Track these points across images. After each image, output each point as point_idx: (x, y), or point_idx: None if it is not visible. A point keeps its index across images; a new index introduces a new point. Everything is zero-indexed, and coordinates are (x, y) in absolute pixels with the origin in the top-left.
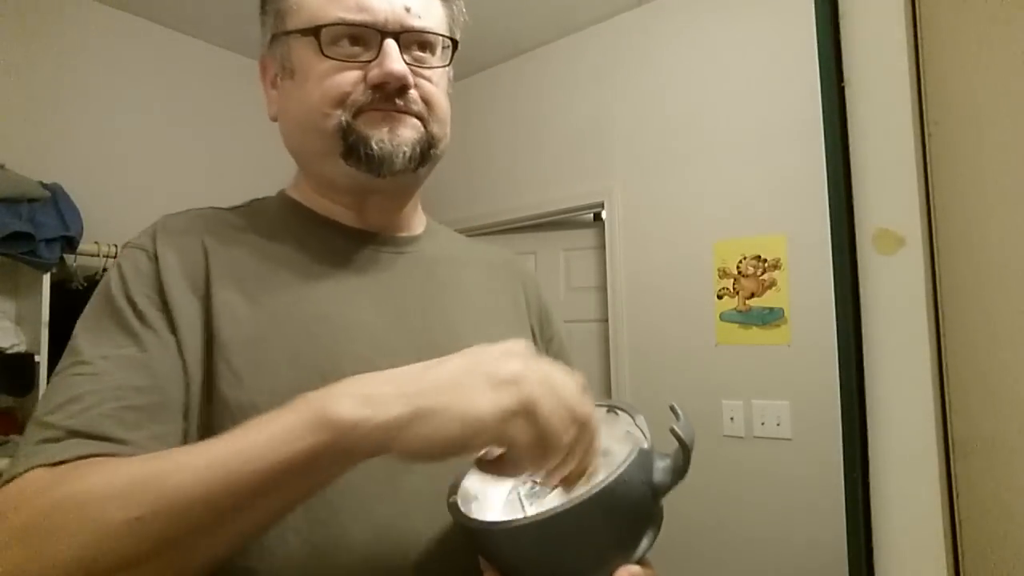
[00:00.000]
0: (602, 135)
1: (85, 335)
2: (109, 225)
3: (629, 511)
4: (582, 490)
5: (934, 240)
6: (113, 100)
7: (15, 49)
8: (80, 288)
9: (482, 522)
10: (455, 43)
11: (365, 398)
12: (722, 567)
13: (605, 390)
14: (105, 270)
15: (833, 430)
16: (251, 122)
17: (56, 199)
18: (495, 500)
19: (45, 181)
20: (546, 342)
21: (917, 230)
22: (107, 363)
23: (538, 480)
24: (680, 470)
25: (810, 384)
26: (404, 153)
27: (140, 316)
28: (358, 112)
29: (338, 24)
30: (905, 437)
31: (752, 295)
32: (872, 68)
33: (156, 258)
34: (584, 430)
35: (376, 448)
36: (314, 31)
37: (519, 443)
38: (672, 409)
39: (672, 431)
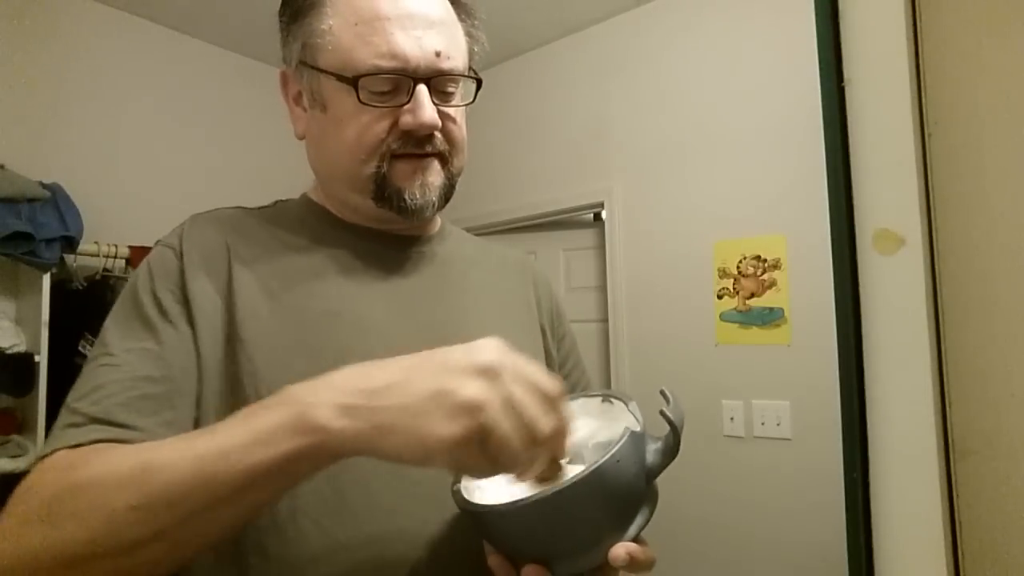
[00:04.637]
0: (602, 135)
1: (113, 327)
2: (109, 225)
3: (622, 491)
4: (577, 471)
5: (934, 240)
6: (113, 100)
7: (15, 49)
8: (80, 288)
9: (479, 505)
10: (479, 82)
11: (343, 408)
12: (722, 567)
13: None
14: (106, 270)
15: (833, 430)
16: (251, 122)
17: (56, 199)
18: (502, 483)
19: (45, 181)
20: (557, 340)
21: (917, 230)
22: (129, 355)
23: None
24: (671, 450)
25: (810, 384)
26: (433, 203)
27: (162, 311)
28: (391, 159)
29: (374, 75)
30: (905, 437)
31: (752, 295)
32: (872, 68)
33: (181, 256)
34: (546, 444)
35: (352, 454)
36: (352, 81)
37: (470, 466)
38: (662, 393)
39: (662, 413)
